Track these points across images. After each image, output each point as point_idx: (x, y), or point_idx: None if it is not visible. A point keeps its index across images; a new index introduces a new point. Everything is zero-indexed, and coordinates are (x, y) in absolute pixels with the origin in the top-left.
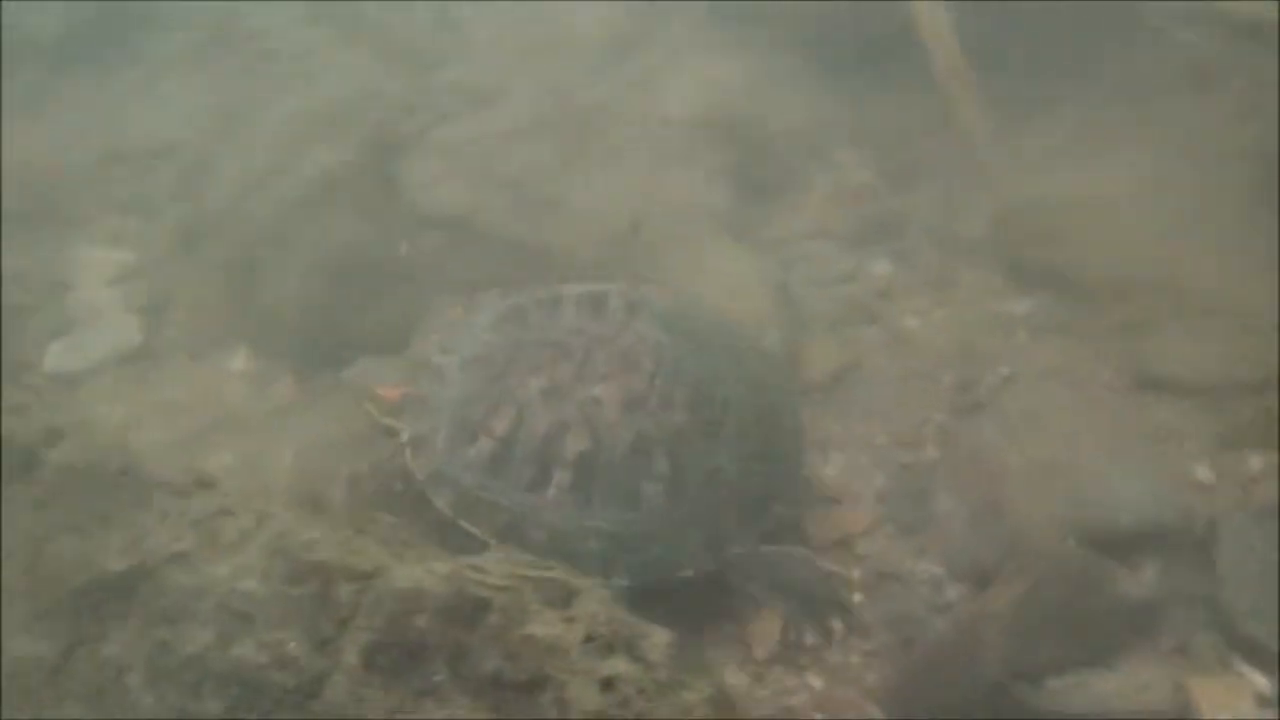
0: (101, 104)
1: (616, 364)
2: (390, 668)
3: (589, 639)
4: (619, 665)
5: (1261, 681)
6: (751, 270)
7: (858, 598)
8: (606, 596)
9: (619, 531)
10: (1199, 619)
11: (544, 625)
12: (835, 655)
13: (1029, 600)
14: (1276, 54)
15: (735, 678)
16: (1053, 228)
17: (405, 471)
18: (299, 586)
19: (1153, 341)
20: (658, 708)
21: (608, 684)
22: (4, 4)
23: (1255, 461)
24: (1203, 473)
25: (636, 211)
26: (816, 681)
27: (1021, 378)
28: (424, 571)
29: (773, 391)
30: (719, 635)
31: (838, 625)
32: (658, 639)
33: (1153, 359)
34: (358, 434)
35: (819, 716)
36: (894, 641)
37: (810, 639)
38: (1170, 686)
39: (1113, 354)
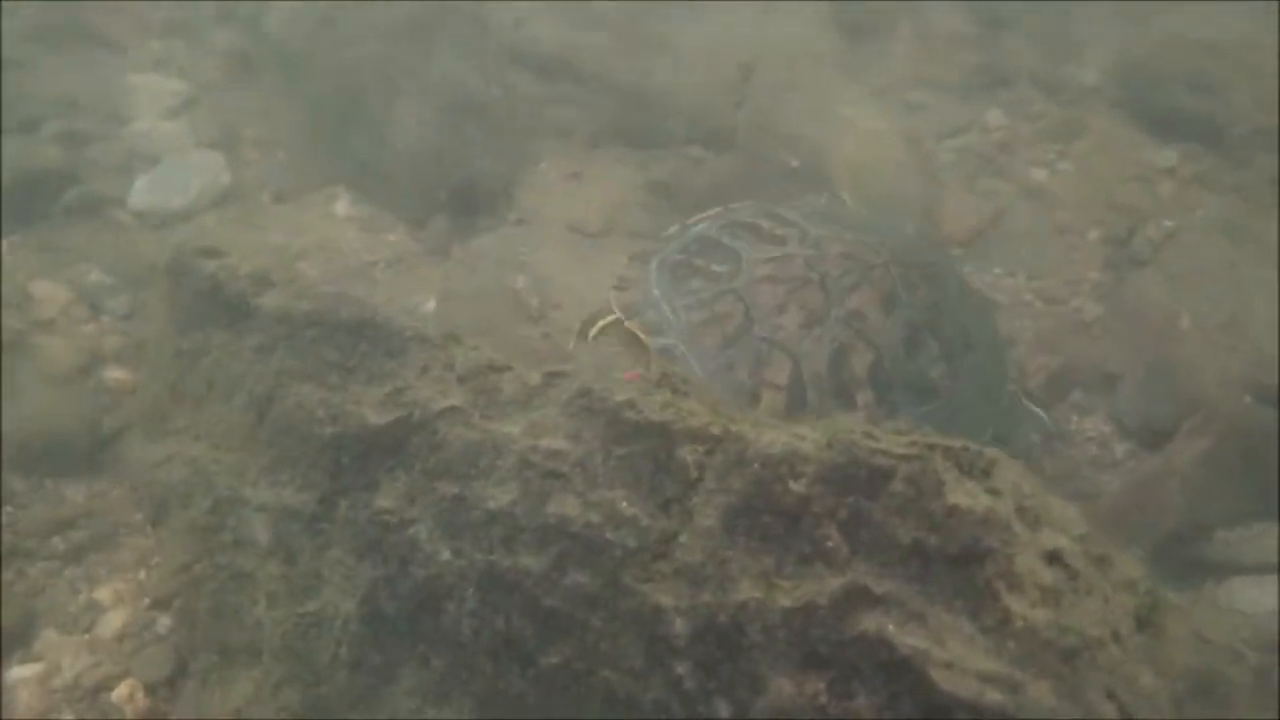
0: None
1: (852, 269)
2: (760, 532)
3: (1020, 509)
4: (1055, 538)
5: None
6: (879, 118)
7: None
8: (1023, 467)
9: (931, 423)
10: None
11: (968, 495)
12: None
13: (1209, 457)
14: None
15: None
16: (1195, 72)
17: None
18: (626, 446)
19: None
20: (1100, 582)
21: (1053, 557)
22: None
23: None
24: None
25: (747, 54)
26: None
27: (1184, 231)
28: (791, 436)
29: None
30: None
31: None
32: (1074, 513)
33: None
34: (491, 289)
35: None
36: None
37: None
38: None
39: (1272, 208)
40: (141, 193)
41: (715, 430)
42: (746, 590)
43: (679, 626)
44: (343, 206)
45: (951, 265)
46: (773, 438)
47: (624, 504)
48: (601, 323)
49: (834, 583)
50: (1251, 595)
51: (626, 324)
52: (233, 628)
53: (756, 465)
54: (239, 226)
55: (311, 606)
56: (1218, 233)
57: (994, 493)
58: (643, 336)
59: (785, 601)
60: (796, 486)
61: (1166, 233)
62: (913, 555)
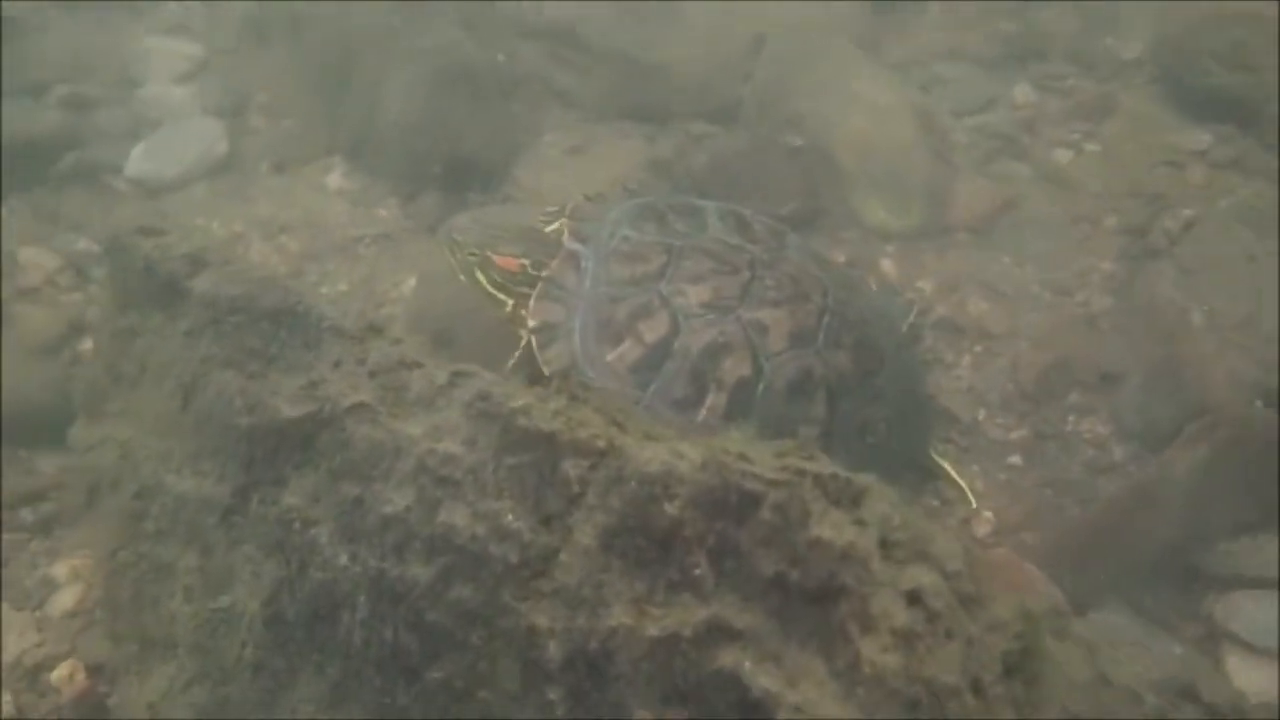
0: None
1: (786, 291)
2: (635, 555)
3: (884, 542)
4: (921, 575)
5: None
6: (891, 94)
7: (1016, 459)
8: (895, 496)
9: None
10: None
11: (832, 528)
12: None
13: (1212, 464)
14: None
15: None
16: (1233, 45)
17: (530, 359)
18: (515, 456)
19: None
20: (966, 623)
21: (913, 597)
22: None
23: None
24: None
25: (760, 24)
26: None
27: (1204, 222)
28: (671, 455)
29: (906, 349)
30: None
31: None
32: (953, 547)
33: None
34: None
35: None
36: (1053, 504)
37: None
38: None
39: None
40: (138, 160)
41: (600, 444)
42: (618, 616)
43: (553, 650)
44: (336, 179)
45: (919, 366)
46: (652, 454)
47: (510, 517)
48: (553, 218)
49: (699, 614)
50: (1249, 611)
51: (565, 219)
52: (151, 619)
53: (634, 484)
54: (228, 198)
55: (223, 602)
56: (1240, 223)
57: (860, 524)
58: (566, 234)
59: (653, 631)
60: (670, 509)
61: (1185, 222)
62: (774, 589)
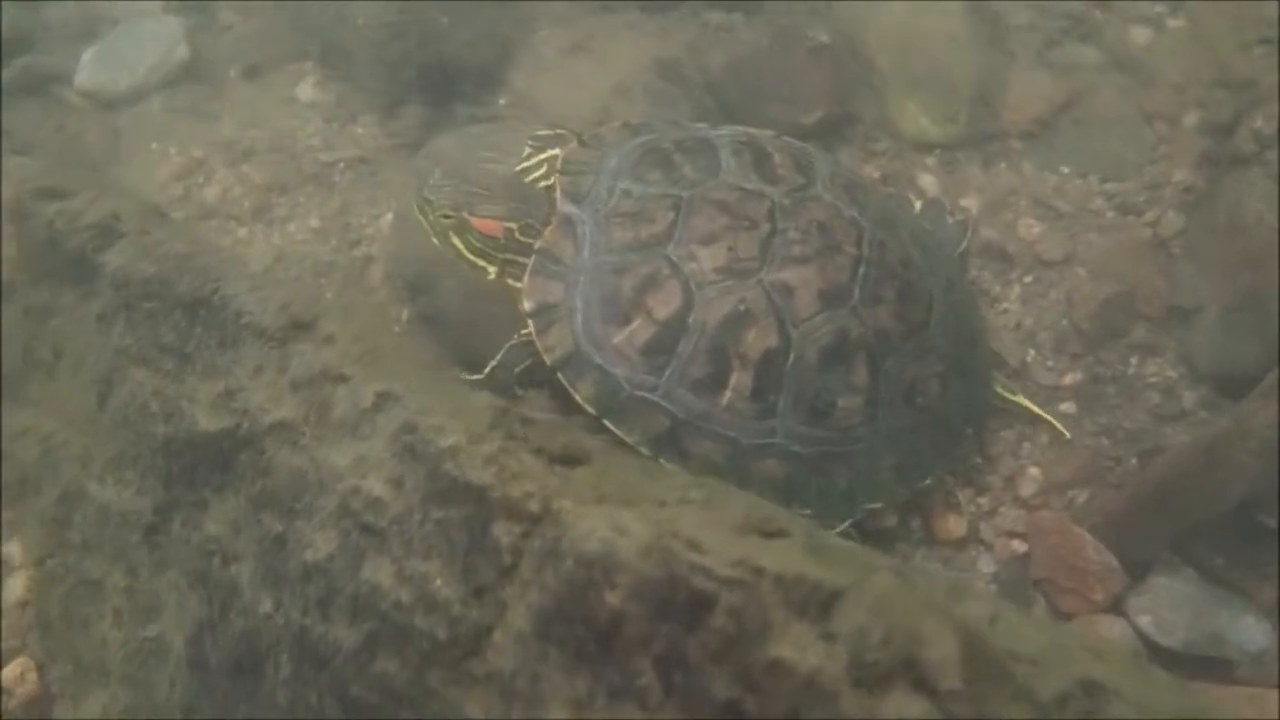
0: None
1: (814, 243)
2: (574, 646)
3: (858, 664)
4: (905, 706)
5: None
6: None
7: (1068, 406)
8: (878, 596)
9: (805, 452)
10: None
11: (794, 646)
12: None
13: None
14: None
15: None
16: None
17: (529, 347)
18: (444, 509)
19: None
20: None
21: None
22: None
23: None
24: None
25: None
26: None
27: None
28: (612, 529)
29: (959, 280)
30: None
31: None
32: (948, 649)
33: None
34: None
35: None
36: (1110, 456)
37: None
38: None
39: None
40: (88, 68)
41: (533, 507)
42: (556, 716)
43: None
44: (308, 90)
45: (974, 300)
46: (590, 528)
47: (439, 582)
48: (534, 158)
49: None
50: None
51: (556, 174)
52: (83, 640)
53: (570, 562)
54: (187, 115)
55: (152, 631)
56: None
57: (829, 640)
58: (558, 194)
59: None
60: (611, 599)
61: None
62: (729, 717)
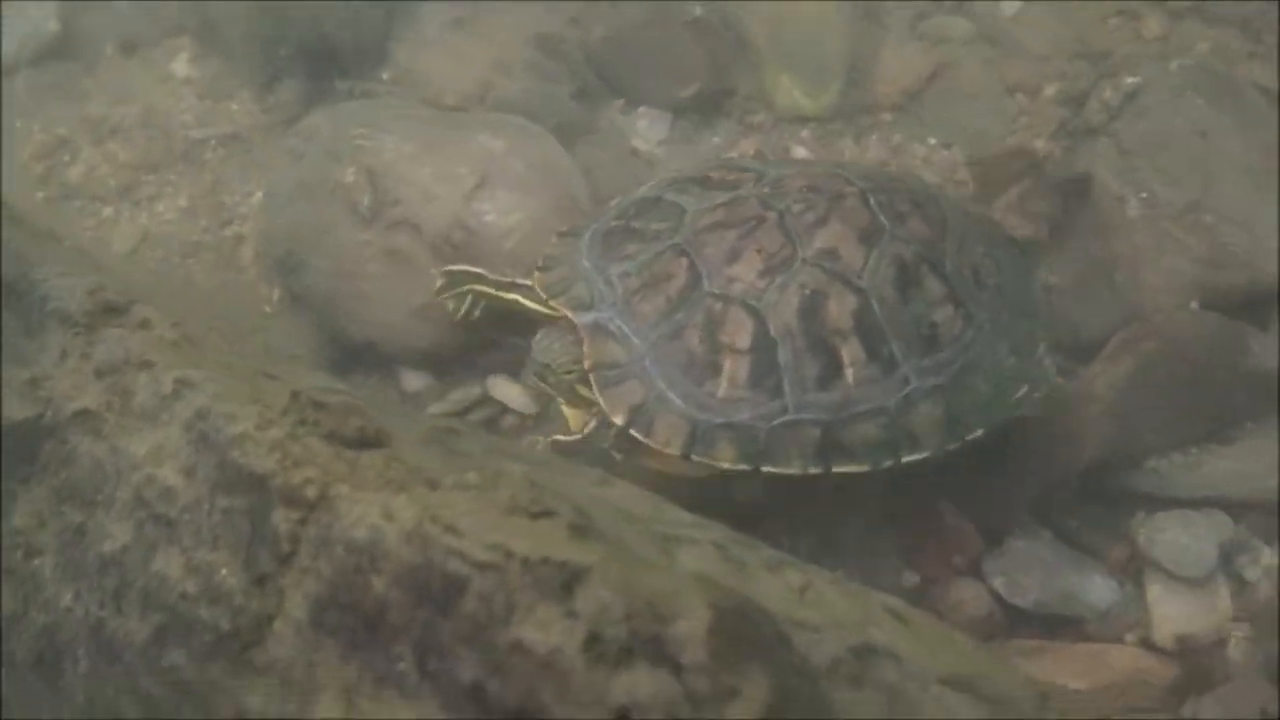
0: None
1: (819, 202)
2: (346, 634)
3: (595, 641)
4: (639, 682)
5: None
6: None
7: None
8: (623, 574)
9: (943, 381)
10: None
11: (537, 627)
12: None
13: (1138, 378)
14: None
15: None
16: None
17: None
18: (230, 497)
19: None
20: None
21: (621, 716)
22: None
23: None
24: None
25: None
26: None
27: (1151, 89)
28: (381, 515)
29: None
30: None
31: None
32: (695, 623)
33: None
34: (314, 183)
35: None
36: None
37: None
38: None
39: (1275, 49)
40: None
41: (311, 493)
42: (327, 707)
43: None
44: (183, 65)
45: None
46: (361, 515)
47: (224, 572)
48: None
49: (402, 718)
50: (1174, 535)
51: (551, 303)
52: None
53: (341, 549)
54: (54, 92)
55: None
56: (1193, 90)
57: (572, 617)
58: (570, 315)
59: None
60: (378, 585)
61: (1128, 91)
62: (473, 701)
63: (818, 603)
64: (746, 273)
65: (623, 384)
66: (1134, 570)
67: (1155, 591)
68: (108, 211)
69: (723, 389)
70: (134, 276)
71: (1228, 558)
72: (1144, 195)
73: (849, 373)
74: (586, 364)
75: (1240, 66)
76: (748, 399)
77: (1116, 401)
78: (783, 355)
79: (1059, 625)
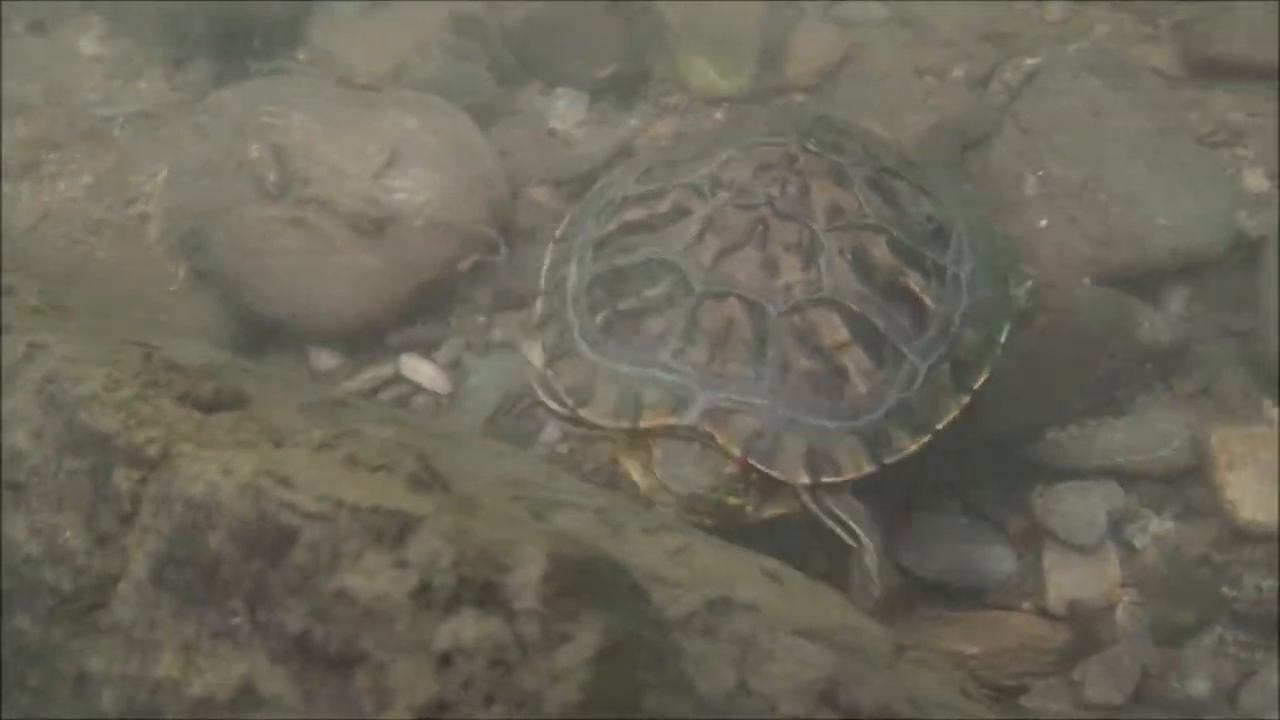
0: None
1: (779, 179)
2: (184, 591)
3: (425, 589)
4: (465, 628)
5: None
6: None
7: None
8: (457, 524)
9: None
10: (1228, 357)
11: (363, 574)
12: None
13: (1033, 351)
14: None
15: None
16: None
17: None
18: (76, 459)
19: (1222, 16)
20: (520, 678)
21: (445, 660)
22: None
23: None
24: (1255, 181)
25: None
26: None
27: (1050, 70)
28: (219, 472)
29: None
30: None
31: None
32: (530, 571)
33: (1217, 37)
34: (220, 161)
35: None
36: None
37: None
38: (1187, 438)
39: (1170, 32)
40: None
41: (153, 452)
42: (167, 664)
43: (106, 700)
44: (92, 43)
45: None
46: (199, 471)
47: (68, 534)
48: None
49: (235, 671)
50: (1069, 505)
51: (642, 424)
52: None
53: (179, 506)
54: None
55: None
56: (1090, 71)
57: (401, 566)
58: (674, 422)
59: (196, 688)
60: (213, 540)
61: (1027, 73)
62: (299, 649)
63: (688, 563)
64: (793, 274)
65: (779, 445)
66: (1034, 541)
67: (1050, 559)
68: (7, 189)
69: (862, 386)
70: (30, 252)
71: (1118, 526)
72: (1040, 174)
73: (925, 300)
74: (735, 452)
75: (1136, 49)
76: (885, 380)
77: (1015, 375)
78: (879, 321)
79: (962, 595)
